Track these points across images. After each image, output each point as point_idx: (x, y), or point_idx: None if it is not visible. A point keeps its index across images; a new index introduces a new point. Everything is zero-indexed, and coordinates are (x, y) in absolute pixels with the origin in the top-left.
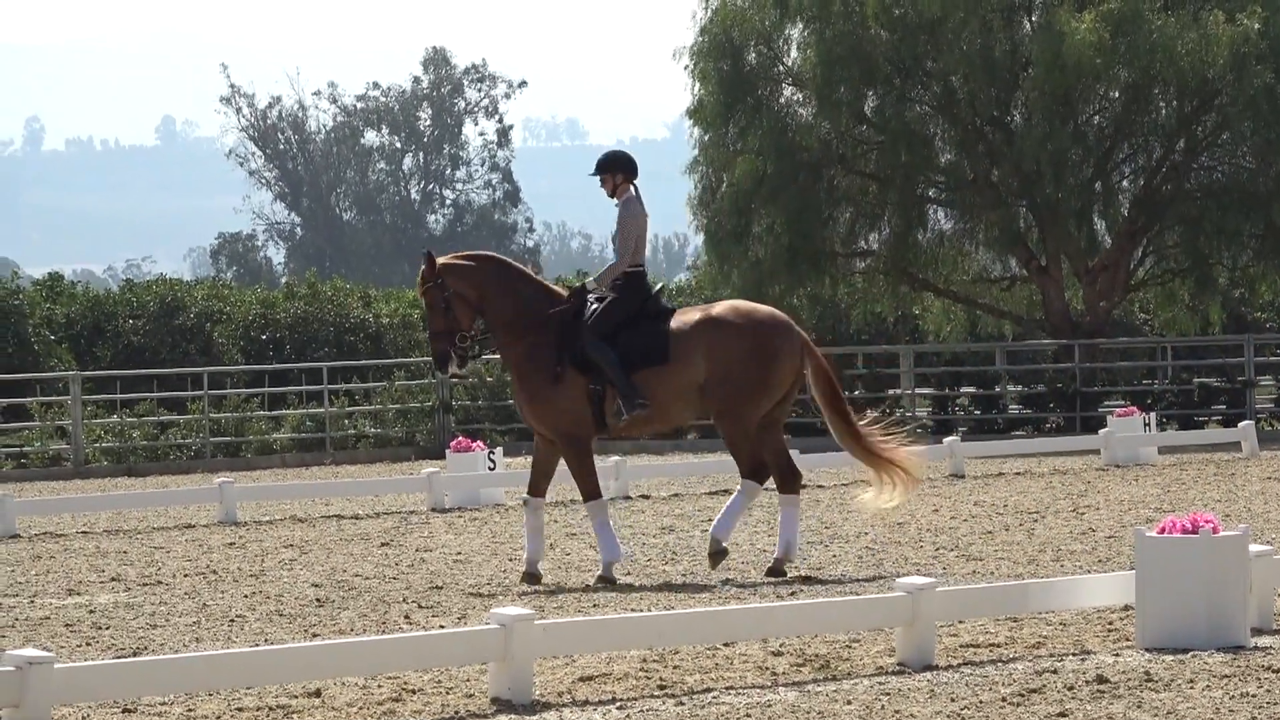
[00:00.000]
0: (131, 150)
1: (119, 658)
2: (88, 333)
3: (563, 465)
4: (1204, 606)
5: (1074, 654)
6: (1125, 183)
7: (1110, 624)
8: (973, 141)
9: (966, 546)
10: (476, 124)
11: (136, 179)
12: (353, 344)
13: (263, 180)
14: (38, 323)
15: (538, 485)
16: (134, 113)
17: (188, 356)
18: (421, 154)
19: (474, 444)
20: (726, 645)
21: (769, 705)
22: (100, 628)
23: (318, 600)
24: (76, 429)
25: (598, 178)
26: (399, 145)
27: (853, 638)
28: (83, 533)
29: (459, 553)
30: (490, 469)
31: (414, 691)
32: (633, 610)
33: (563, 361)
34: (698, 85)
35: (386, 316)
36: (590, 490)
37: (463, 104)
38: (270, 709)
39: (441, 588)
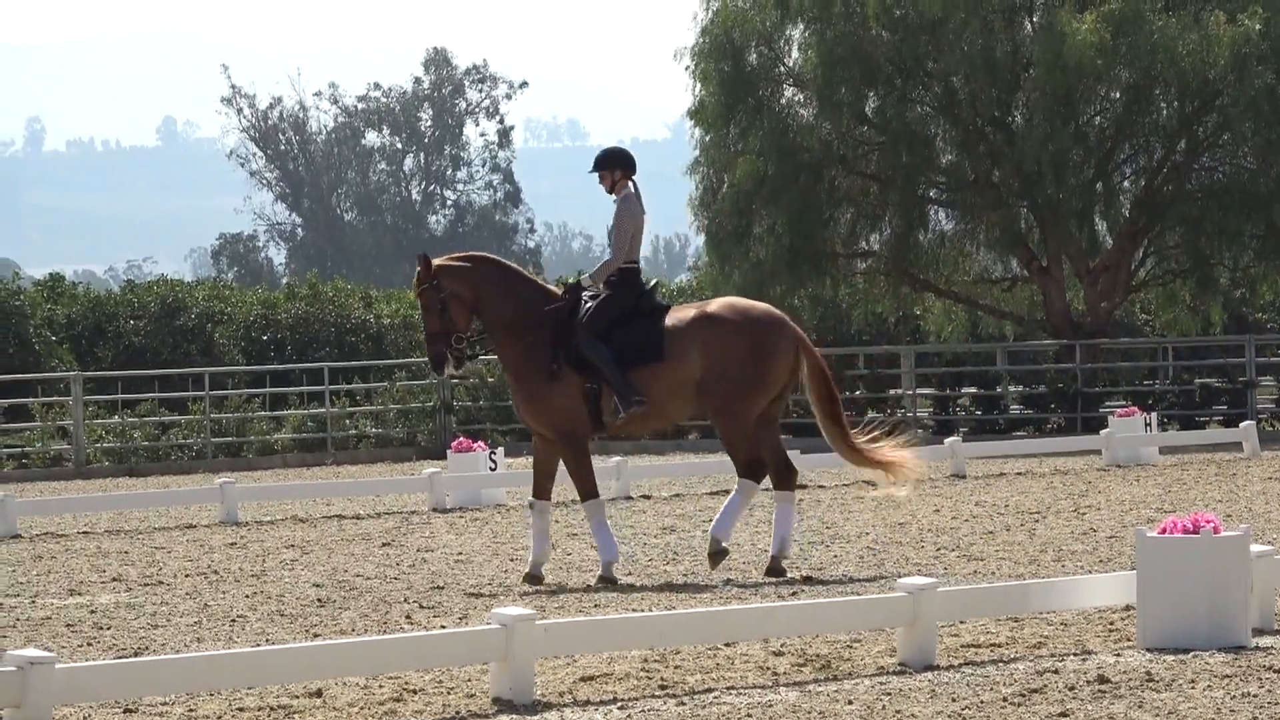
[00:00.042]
0: (132, 151)
1: (120, 658)
2: (89, 333)
3: (562, 465)
4: (1205, 607)
5: (1075, 654)
6: (1126, 183)
7: (1111, 624)
8: (974, 142)
9: (968, 547)
10: (477, 125)
11: (137, 179)
12: (354, 344)
13: (264, 181)
14: (39, 323)
15: (542, 487)
16: (135, 113)
17: (189, 357)
18: (422, 155)
19: (475, 444)
20: (728, 645)
21: (770, 705)
22: (101, 628)
23: (319, 600)
24: (78, 429)
25: (596, 175)
26: (400, 146)
27: (854, 638)
28: (84, 533)
29: (460, 553)
30: (491, 469)
31: (415, 691)
32: (634, 610)
33: (558, 360)
34: (699, 86)
35: (388, 317)
36: (588, 490)
37: (464, 104)
38: (271, 709)
39: (443, 588)
